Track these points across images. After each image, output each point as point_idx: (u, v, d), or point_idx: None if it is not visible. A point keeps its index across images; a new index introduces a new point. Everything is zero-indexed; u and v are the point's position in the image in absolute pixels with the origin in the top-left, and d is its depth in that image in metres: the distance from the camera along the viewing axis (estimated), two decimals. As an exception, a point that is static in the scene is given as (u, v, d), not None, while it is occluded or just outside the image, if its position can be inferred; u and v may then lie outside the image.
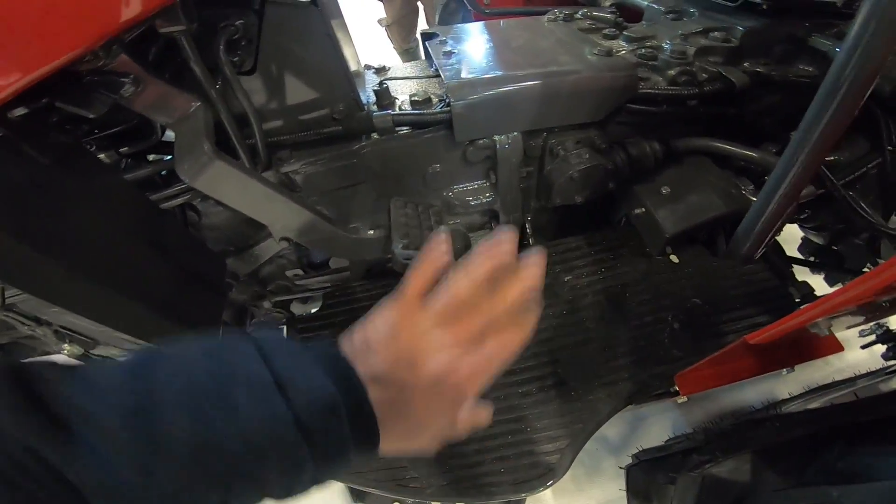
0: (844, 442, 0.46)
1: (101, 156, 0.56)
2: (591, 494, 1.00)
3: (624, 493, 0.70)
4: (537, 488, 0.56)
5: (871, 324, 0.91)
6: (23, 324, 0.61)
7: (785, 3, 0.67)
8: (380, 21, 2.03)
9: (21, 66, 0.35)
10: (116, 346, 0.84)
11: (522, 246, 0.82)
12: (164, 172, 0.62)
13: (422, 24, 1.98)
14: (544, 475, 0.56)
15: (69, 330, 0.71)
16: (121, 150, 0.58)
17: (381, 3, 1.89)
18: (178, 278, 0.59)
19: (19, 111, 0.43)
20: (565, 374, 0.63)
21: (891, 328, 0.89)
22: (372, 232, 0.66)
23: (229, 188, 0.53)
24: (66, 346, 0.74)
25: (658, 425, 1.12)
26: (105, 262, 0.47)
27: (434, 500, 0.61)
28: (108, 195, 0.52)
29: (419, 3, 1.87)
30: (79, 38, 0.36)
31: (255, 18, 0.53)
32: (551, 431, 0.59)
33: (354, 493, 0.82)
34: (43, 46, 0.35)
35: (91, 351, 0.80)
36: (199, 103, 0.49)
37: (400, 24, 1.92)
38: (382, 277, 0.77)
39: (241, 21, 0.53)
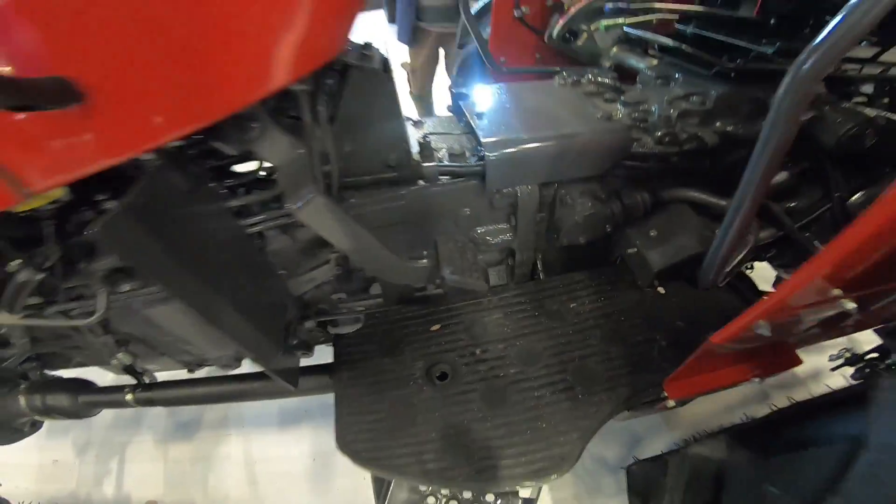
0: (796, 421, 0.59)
1: (212, 185, 0.69)
2: None
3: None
4: (553, 474, 0.67)
5: (841, 349, 1.04)
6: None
7: (749, 71, 0.83)
8: (403, 65, 2.18)
9: (210, 110, 0.45)
10: (170, 358, 0.96)
11: (533, 279, 0.96)
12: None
13: (440, 72, 2.18)
14: (559, 464, 0.68)
15: (131, 340, 0.84)
16: (225, 181, 0.71)
17: (405, 47, 2.05)
18: (261, 295, 0.72)
19: (176, 143, 0.53)
20: (572, 381, 0.76)
21: (859, 352, 1.02)
22: (423, 262, 0.80)
23: (325, 221, 0.65)
24: (120, 354, 0.87)
25: (652, 446, 1.24)
26: (219, 275, 0.60)
27: (460, 487, 0.73)
28: (219, 220, 0.66)
29: (441, 50, 2.05)
30: (257, 91, 0.46)
31: (339, 78, 0.67)
32: (562, 427, 0.71)
33: (378, 484, 0.92)
34: (232, 95, 0.45)
35: (137, 363, 0.93)
36: (302, 150, 0.60)
37: (423, 70, 2.11)
38: (412, 303, 0.91)
39: (331, 80, 0.65)
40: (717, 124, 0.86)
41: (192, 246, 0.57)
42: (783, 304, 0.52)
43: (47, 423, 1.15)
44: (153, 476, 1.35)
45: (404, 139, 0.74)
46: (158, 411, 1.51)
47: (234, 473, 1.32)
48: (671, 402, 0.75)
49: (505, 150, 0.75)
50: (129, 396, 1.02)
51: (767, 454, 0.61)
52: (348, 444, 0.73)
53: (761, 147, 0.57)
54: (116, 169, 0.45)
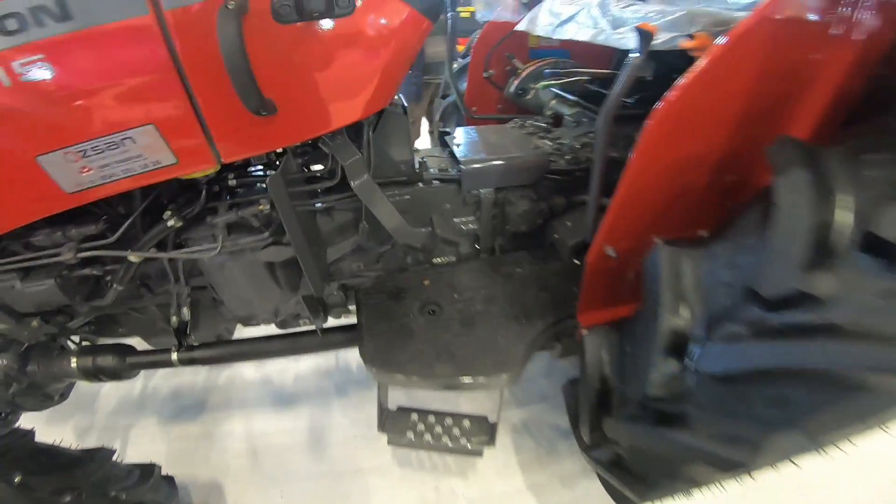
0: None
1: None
2: (552, 469, 1.39)
3: (577, 469, 1.15)
4: (505, 373, 1.02)
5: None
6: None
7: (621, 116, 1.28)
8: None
9: (337, 121, 0.82)
10: (221, 317, 1.27)
11: (492, 254, 1.37)
12: None
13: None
14: (510, 366, 1.03)
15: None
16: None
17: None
18: (318, 255, 1.09)
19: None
20: (518, 314, 1.15)
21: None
22: (425, 230, 1.17)
23: (370, 194, 0.99)
24: (185, 309, 1.13)
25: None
26: (303, 231, 0.97)
27: (448, 385, 1.07)
28: (303, 196, 1.04)
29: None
30: (359, 115, 0.83)
31: (378, 115, 1.08)
32: (512, 342, 1.08)
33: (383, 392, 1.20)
34: (349, 115, 0.82)
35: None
36: (359, 155, 0.96)
37: (418, 118, 2.66)
38: (406, 271, 1.30)
39: (375, 115, 1.05)
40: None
41: (296, 206, 0.94)
42: (607, 233, 0.94)
43: (49, 410, 1.26)
44: (155, 454, 1.43)
45: (411, 156, 1.17)
46: (162, 395, 1.69)
47: (235, 447, 1.48)
48: (585, 331, 1.13)
49: (473, 165, 1.19)
50: (174, 356, 1.21)
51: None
52: (369, 359, 1.08)
53: (599, 161, 1.01)
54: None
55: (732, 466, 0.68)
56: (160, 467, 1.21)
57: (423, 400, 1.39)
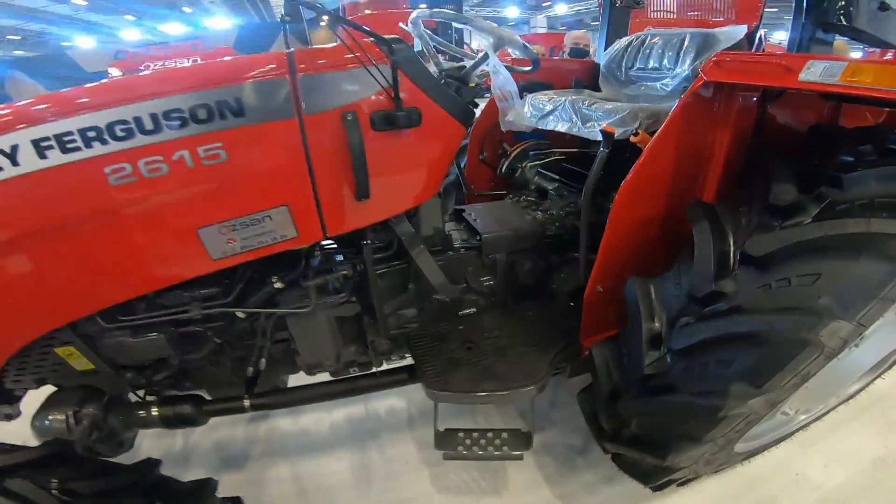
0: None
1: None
2: (574, 481, 1.59)
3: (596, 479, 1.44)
4: (531, 385, 1.29)
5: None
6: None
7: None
8: None
9: (401, 203, 1.15)
10: (290, 366, 1.44)
11: (506, 303, 1.65)
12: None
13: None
14: (535, 380, 1.30)
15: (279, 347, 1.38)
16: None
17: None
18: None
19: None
20: (537, 343, 1.43)
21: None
22: (459, 286, 1.47)
23: (429, 265, 1.30)
24: (263, 360, 1.34)
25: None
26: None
27: (495, 400, 1.30)
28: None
29: None
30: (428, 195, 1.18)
31: None
32: (536, 364, 1.36)
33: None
34: (421, 198, 1.17)
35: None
36: (413, 230, 1.27)
37: None
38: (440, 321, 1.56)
39: None
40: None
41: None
42: (596, 277, 1.27)
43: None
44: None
45: (444, 230, 1.47)
46: (204, 449, 1.78)
47: (285, 490, 1.59)
48: (587, 350, 1.42)
49: (492, 236, 1.52)
50: (246, 402, 1.36)
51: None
52: (431, 385, 1.31)
53: (585, 227, 1.39)
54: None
55: (712, 412, 0.97)
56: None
57: (465, 422, 1.60)
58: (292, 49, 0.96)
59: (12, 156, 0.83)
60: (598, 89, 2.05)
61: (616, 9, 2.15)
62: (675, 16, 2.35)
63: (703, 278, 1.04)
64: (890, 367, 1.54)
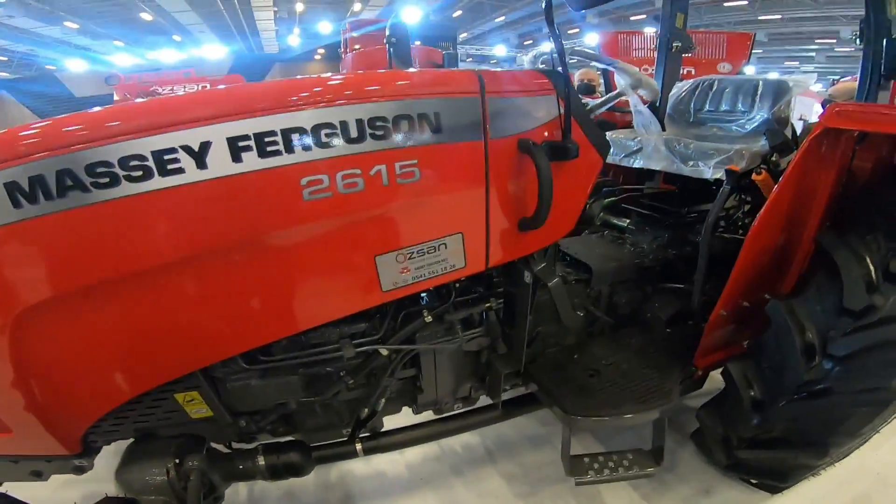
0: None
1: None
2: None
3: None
4: (666, 403, 1.29)
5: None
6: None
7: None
8: None
9: (553, 234, 1.15)
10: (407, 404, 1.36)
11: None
12: None
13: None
14: (669, 398, 1.31)
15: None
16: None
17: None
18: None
19: None
20: (646, 366, 1.43)
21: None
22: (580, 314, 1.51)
23: (561, 296, 1.34)
24: (383, 399, 1.24)
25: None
26: None
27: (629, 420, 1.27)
28: None
29: None
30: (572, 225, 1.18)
31: None
32: (663, 387, 1.36)
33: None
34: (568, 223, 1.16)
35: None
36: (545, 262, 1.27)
37: None
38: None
39: None
40: (671, 250, 1.73)
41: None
42: (725, 301, 1.29)
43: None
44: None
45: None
46: (274, 498, 1.64)
47: None
48: (699, 371, 1.43)
49: (600, 267, 1.51)
50: (358, 446, 1.26)
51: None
52: (571, 410, 1.28)
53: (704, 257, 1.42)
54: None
55: (878, 405, 1.14)
56: None
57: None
58: (478, 69, 0.96)
59: (200, 156, 0.73)
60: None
61: (671, 53, 2.29)
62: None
63: (856, 294, 1.17)
64: None
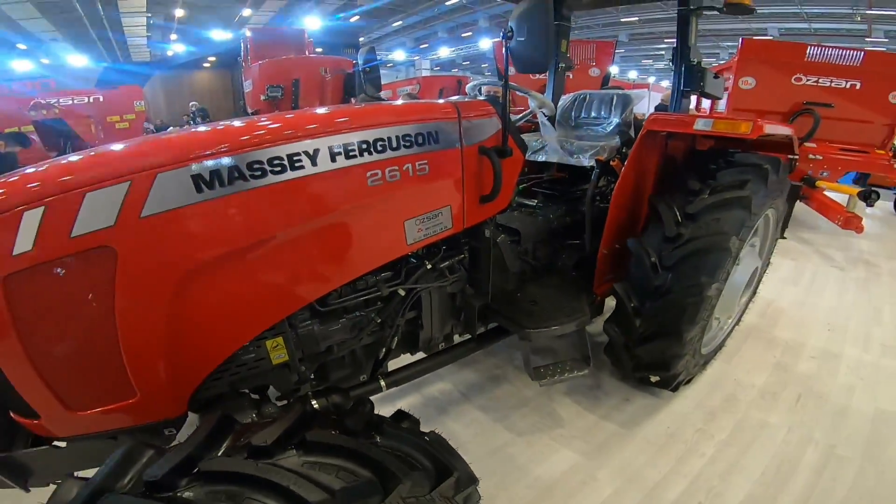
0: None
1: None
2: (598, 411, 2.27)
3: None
4: (580, 317, 2.01)
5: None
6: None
7: None
8: None
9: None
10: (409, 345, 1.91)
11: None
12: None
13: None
14: (583, 315, 2.02)
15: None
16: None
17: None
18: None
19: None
20: (576, 292, 2.16)
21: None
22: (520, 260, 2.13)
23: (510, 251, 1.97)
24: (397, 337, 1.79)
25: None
26: None
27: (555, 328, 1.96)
28: None
29: None
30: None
31: None
32: (580, 307, 2.08)
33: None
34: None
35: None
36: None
37: None
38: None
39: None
40: (567, 218, 2.52)
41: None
42: (604, 245, 2.09)
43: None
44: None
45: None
46: None
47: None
48: (598, 297, 2.19)
49: (526, 230, 2.24)
50: (382, 382, 1.67)
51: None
52: (526, 325, 1.90)
53: (589, 218, 2.21)
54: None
55: (696, 294, 1.84)
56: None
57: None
58: (455, 99, 1.57)
59: (313, 158, 1.16)
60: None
61: (558, 73, 3.10)
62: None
63: (670, 228, 1.90)
64: (754, 284, 2.65)
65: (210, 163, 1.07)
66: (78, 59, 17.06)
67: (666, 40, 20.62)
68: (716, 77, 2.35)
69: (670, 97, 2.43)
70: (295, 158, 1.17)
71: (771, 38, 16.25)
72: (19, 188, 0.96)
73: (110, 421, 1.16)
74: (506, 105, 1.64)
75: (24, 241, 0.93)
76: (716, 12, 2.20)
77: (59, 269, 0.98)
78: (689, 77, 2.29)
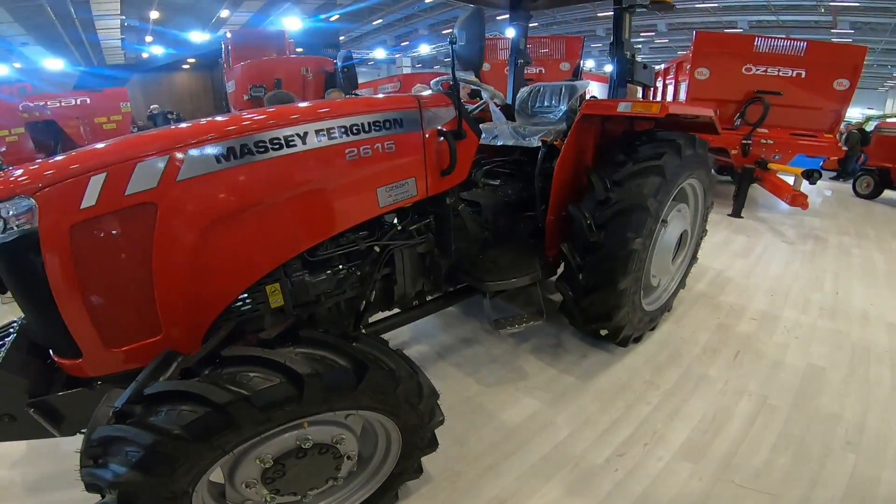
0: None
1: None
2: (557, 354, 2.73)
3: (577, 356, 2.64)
4: (531, 274, 2.40)
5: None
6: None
7: None
8: None
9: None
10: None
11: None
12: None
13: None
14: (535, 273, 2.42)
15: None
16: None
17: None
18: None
19: None
20: (519, 256, 2.55)
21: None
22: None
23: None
24: (374, 293, 2.19)
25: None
26: None
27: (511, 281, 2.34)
28: None
29: None
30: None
31: None
32: (533, 264, 2.47)
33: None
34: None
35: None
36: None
37: None
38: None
39: None
40: (523, 192, 2.91)
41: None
42: (551, 212, 2.49)
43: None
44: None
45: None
46: None
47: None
48: (550, 258, 2.58)
49: (488, 202, 2.63)
50: (363, 331, 2.00)
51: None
52: (490, 282, 2.29)
53: (538, 191, 2.60)
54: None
55: (623, 246, 2.24)
56: None
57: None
58: (419, 93, 1.94)
59: (303, 138, 1.49)
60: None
61: (518, 67, 3.48)
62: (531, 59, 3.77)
63: (600, 193, 2.27)
64: (690, 249, 3.07)
65: (226, 141, 1.40)
66: (54, 63, 16.91)
67: (642, 34, 21.25)
68: (645, 67, 2.76)
69: (608, 86, 2.84)
70: (289, 138, 1.52)
71: (741, 30, 16.97)
72: (87, 158, 1.28)
73: (138, 359, 1.34)
74: (457, 96, 2.01)
75: (90, 197, 1.23)
76: (645, 9, 2.59)
77: (113, 221, 1.28)
78: (622, 69, 2.69)
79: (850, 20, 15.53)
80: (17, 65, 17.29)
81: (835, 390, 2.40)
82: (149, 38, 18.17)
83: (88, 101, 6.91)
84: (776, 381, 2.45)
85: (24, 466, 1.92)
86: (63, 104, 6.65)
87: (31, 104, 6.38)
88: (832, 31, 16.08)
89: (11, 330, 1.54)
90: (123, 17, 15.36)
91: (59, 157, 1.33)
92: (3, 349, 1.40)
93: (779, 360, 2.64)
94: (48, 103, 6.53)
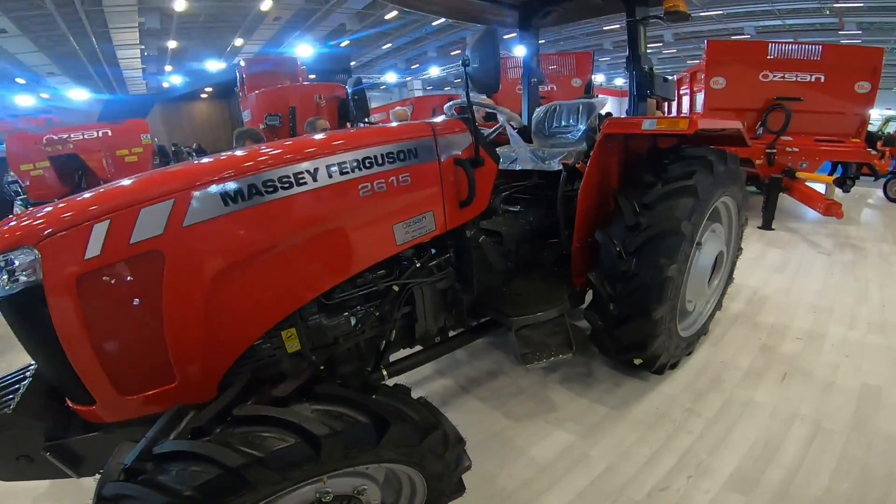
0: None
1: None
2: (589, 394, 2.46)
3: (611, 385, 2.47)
4: (559, 304, 2.26)
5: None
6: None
7: None
8: None
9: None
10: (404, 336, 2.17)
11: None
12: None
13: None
14: (564, 304, 2.28)
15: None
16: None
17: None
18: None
19: None
20: (546, 287, 2.42)
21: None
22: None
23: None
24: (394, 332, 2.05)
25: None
26: None
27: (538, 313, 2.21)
28: None
29: None
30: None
31: None
32: (561, 296, 2.33)
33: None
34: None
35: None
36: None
37: None
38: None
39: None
40: (546, 219, 2.79)
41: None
42: (576, 239, 2.36)
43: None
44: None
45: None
46: None
47: None
48: (577, 287, 2.44)
49: (508, 233, 2.52)
50: (384, 371, 1.84)
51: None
52: (514, 314, 2.15)
53: (562, 219, 2.49)
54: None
55: (659, 274, 2.07)
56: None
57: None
58: (432, 120, 1.85)
59: (314, 175, 1.42)
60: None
61: (532, 86, 3.40)
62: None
63: (630, 218, 2.13)
64: (726, 269, 2.89)
65: (233, 182, 1.33)
66: (79, 94, 17.64)
67: (650, 45, 21.08)
68: (665, 80, 2.65)
69: (628, 102, 2.73)
70: (299, 176, 1.45)
71: (748, 36, 16.79)
72: (87, 206, 1.22)
73: (153, 405, 1.31)
74: (473, 121, 1.92)
75: (94, 247, 1.17)
76: (660, 21, 2.49)
77: (120, 270, 1.23)
78: (641, 82, 2.58)
79: (856, 21, 15.25)
80: (45, 95, 18.11)
81: (894, 409, 2.21)
82: (168, 68, 18.86)
83: (110, 132, 7.07)
84: (830, 403, 2.28)
85: (46, 502, 1.88)
86: (85, 136, 6.81)
87: (55, 136, 6.57)
88: (840, 32, 15.79)
89: (28, 374, 1.49)
90: (143, 47, 16.00)
91: (62, 202, 1.29)
92: (19, 393, 1.37)
93: (830, 380, 2.47)
94: (71, 136, 6.71)
